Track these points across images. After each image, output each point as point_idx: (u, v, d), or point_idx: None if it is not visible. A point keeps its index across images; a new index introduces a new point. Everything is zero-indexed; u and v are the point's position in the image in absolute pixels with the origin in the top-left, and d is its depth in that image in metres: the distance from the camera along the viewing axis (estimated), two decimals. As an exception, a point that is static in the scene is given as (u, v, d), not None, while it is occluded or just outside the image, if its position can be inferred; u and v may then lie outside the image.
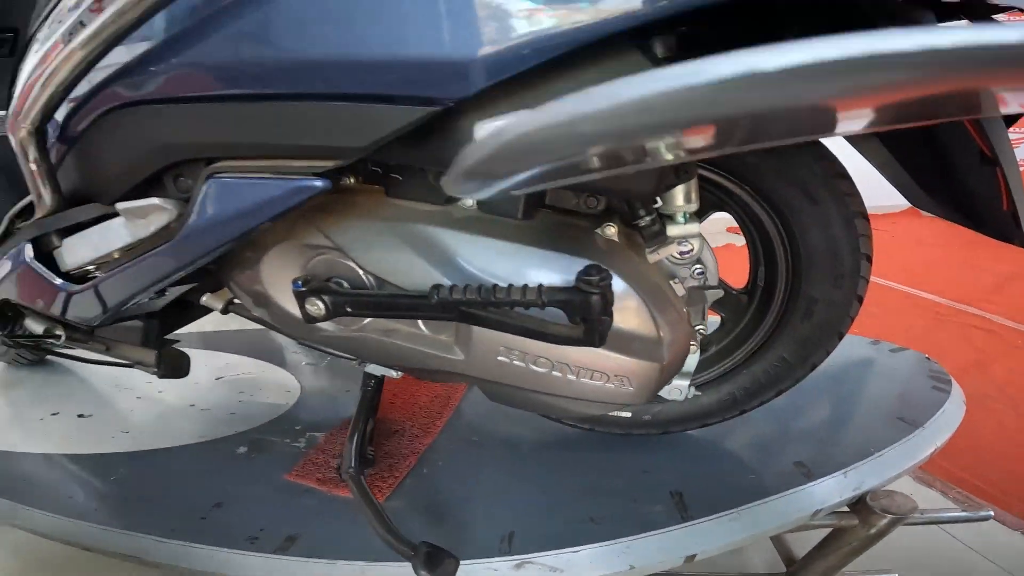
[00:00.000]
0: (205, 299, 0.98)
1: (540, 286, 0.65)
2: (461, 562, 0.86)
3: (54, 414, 1.42)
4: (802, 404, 1.24)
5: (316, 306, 0.75)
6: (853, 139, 0.88)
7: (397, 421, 1.28)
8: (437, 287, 0.69)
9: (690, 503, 0.98)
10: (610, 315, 0.66)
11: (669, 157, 0.42)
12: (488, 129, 0.43)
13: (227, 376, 1.58)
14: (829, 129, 0.41)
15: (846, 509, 1.03)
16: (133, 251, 0.75)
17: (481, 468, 1.15)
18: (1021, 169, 0.70)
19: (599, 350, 0.74)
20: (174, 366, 1.06)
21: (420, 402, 1.36)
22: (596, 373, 0.77)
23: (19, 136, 0.70)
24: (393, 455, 1.16)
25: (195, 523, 1.01)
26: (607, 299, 0.65)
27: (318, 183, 0.64)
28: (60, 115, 0.71)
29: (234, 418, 1.36)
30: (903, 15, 0.57)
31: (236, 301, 0.96)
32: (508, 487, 1.08)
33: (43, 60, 0.67)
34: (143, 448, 1.25)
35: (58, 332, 1.01)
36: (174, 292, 0.98)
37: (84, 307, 0.83)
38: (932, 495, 1.53)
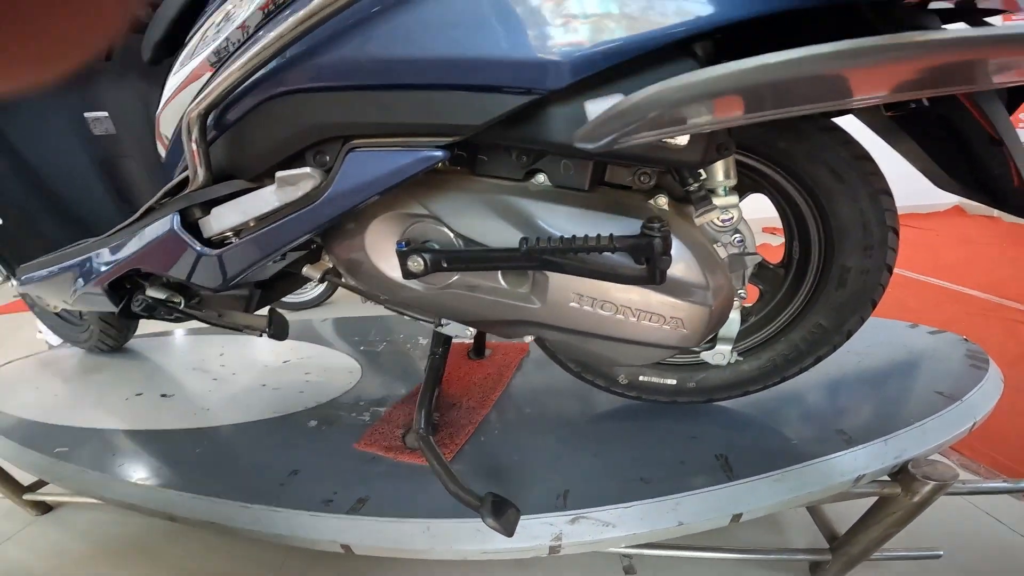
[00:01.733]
0: (306, 269, 1.09)
1: (611, 234, 0.77)
2: (521, 517, 0.94)
3: (138, 394, 1.54)
4: (841, 379, 1.29)
5: (417, 262, 0.87)
6: (887, 136, 0.97)
7: (454, 396, 1.37)
8: (525, 239, 0.81)
9: (735, 465, 1.04)
10: (669, 256, 0.78)
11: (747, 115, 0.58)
12: (618, 99, 0.58)
13: (293, 360, 1.69)
14: (849, 94, 0.54)
15: (888, 478, 1.06)
16: (272, 217, 0.88)
17: (535, 436, 1.22)
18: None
19: (657, 294, 0.86)
20: (279, 328, 1.18)
21: (474, 380, 1.45)
22: (654, 315, 0.87)
23: (188, 118, 0.83)
24: (452, 425, 1.25)
25: (275, 488, 1.11)
26: (667, 242, 0.77)
27: (439, 153, 0.77)
28: (224, 104, 0.86)
29: (303, 396, 1.46)
30: (909, 19, 0.68)
31: (332, 271, 1.07)
32: (561, 453, 1.15)
33: (204, 67, 0.87)
34: (223, 423, 1.36)
35: (177, 299, 1.14)
36: (285, 261, 1.10)
37: (217, 270, 0.96)
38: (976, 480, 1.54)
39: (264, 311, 1.24)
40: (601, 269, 0.82)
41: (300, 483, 1.12)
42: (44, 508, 1.58)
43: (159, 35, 1.00)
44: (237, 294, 1.17)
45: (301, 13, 0.70)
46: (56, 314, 1.87)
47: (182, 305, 1.15)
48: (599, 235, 0.77)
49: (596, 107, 0.67)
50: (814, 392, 1.25)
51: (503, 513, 0.91)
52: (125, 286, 1.16)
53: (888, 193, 0.96)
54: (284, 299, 2.93)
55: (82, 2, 0.24)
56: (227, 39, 0.85)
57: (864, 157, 0.94)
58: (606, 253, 0.79)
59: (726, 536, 1.23)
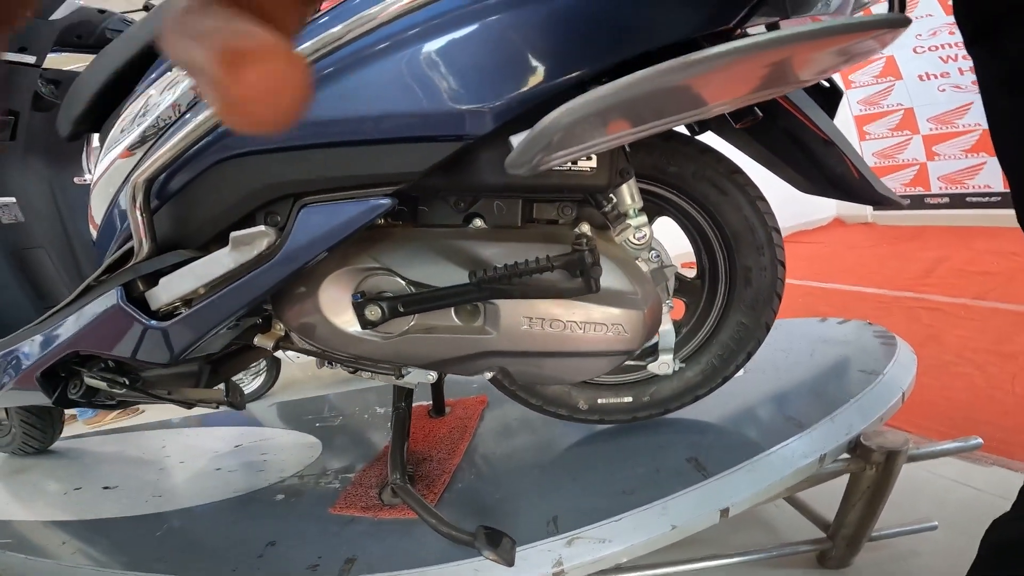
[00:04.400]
0: (258, 339, 1.07)
1: (548, 255, 0.87)
2: (517, 549, 0.94)
3: (77, 488, 1.43)
4: (776, 376, 1.41)
5: (374, 310, 0.91)
6: (754, 154, 1.16)
7: (423, 452, 1.36)
8: (474, 272, 0.89)
9: (707, 464, 1.09)
10: (599, 265, 0.88)
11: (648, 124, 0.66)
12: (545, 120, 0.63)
13: (245, 444, 1.62)
14: (702, 100, 0.62)
15: (848, 456, 1.14)
16: (226, 279, 0.88)
17: (511, 474, 1.23)
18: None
19: (596, 305, 0.94)
20: (237, 396, 1.14)
21: (439, 435, 1.45)
22: (597, 325, 0.95)
23: (134, 185, 0.84)
24: (427, 477, 1.24)
25: (253, 561, 1.05)
26: (595, 253, 0.87)
27: (387, 200, 0.84)
28: (168, 172, 0.87)
29: (264, 473, 1.40)
30: None
31: (285, 338, 1.06)
32: (540, 483, 1.17)
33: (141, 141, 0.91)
34: (180, 507, 1.28)
35: (121, 379, 1.07)
36: (235, 332, 1.07)
37: (166, 344, 0.93)
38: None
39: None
40: (545, 288, 0.92)
41: (280, 552, 1.07)
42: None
43: (80, 109, 1.00)
44: (185, 371, 1.13)
45: None
46: None
47: (125, 390, 1.08)
48: (537, 258, 0.87)
49: (517, 139, 0.75)
50: (756, 390, 1.35)
51: (499, 543, 0.92)
52: (59, 374, 1.10)
53: (763, 199, 1.11)
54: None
55: None
56: (158, 118, 0.89)
57: (737, 171, 1.09)
58: (546, 273, 0.88)
59: (724, 546, 1.25)
